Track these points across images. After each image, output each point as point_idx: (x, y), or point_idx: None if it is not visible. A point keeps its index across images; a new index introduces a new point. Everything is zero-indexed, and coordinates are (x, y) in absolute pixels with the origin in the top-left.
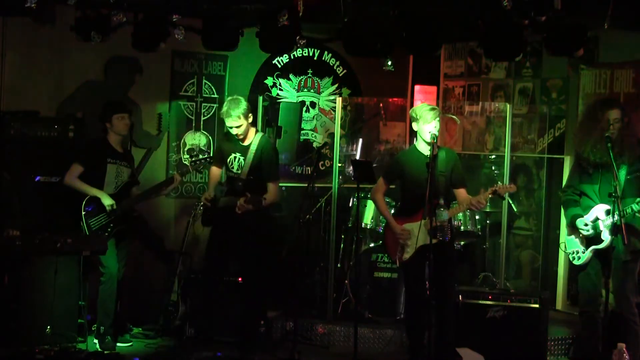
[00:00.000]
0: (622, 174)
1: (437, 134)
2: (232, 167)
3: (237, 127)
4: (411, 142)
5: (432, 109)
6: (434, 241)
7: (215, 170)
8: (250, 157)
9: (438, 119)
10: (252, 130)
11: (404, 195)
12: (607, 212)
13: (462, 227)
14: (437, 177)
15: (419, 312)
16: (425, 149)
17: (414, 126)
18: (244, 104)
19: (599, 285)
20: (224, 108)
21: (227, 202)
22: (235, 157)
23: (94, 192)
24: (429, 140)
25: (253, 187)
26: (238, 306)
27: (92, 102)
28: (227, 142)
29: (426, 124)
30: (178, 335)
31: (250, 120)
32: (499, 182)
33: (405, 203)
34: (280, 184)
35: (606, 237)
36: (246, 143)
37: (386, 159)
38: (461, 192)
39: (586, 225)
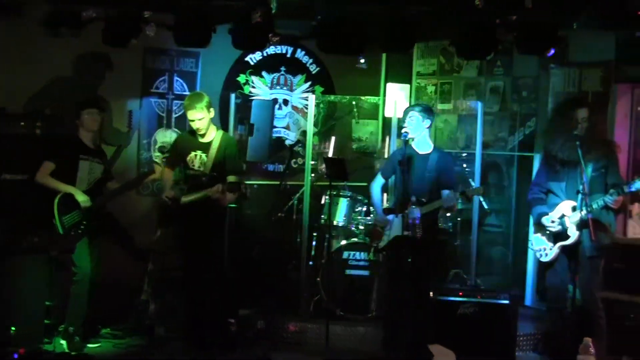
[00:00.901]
0: (588, 171)
1: (409, 133)
2: (194, 165)
3: (200, 119)
4: (384, 139)
5: (404, 109)
6: (406, 233)
7: (169, 172)
8: (213, 154)
9: (409, 118)
10: (213, 127)
11: (395, 190)
12: (573, 209)
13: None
14: (425, 176)
15: (394, 303)
16: (418, 148)
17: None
18: (206, 98)
19: (566, 281)
20: (186, 102)
21: (193, 199)
22: (196, 155)
23: (67, 189)
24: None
25: (217, 183)
26: (209, 305)
27: (62, 98)
28: (185, 141)
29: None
30: (148, 335)
31: (212, 115)
32: (475, 182)
33: (394, 196)
34: (253, 182)
35: (573, 233)
36: (206, 140)
37: (359, 157)
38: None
39: (553, 222)
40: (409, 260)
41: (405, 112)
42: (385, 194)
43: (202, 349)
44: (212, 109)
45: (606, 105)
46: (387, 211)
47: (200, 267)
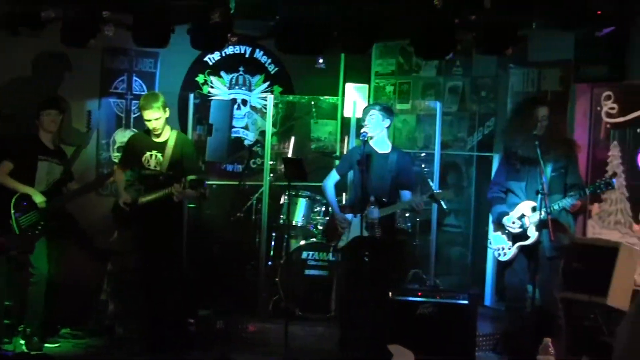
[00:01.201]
0: (547, 171)
1: (368, 132)
2: (149, 165)
3: (156, 119)
4: (343, 139)
5: (364, 109)
6: (365, 234)
7: (121, 173)
8: (169, 153)
9: (370, 117)
10: (167, 126)
11: (352, 187)
12: (533, 209)
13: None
14: (384, 176)
15: (351, 304)
16: (377, 147)
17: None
18: (161, 97)
19: (525, 281)
20: (142, 102)
21: (153, 198)
22: (151, 155)
23: (25, 189)
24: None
25: (174, 182)
26: (168, 305)
27: (21, 98)
28: (139, 141)
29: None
30: (107, 335)
31: (167, 115)
32: (434, 182)
33: (352, 195)
34: (212, 182)
35: (532, 233)
36: (161, 140)
37: (318, 157)
38: (406, 195)
39: (513, 222)
40: (367, 260)
41: (366, 111)
42: (344, 193)
43: (161, 349)
44: (167, 109)
45: (565, 105)
46: (344, 209)
47: (159, 267)
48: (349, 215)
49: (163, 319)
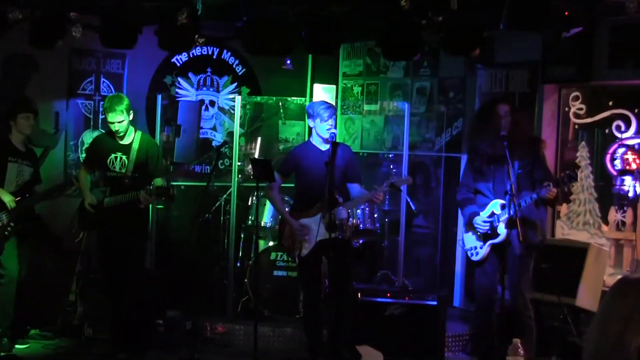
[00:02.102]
0: (514, 169)
1: (336, 132)
2: (114, 167)
3: (120, 122)
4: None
5: (329, 107)
6: (333, 235)
7: (85, 175)
8: (134, 155)
9: (334, 118)
10: (132, 128)
11: (299, 189)
12: (503, 207)
13: (361, 225)
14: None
15: (317, 309)
16: (320, 144)
17: (310, 122)
18: (126, 100)
19: (495, 282)
20: (106, 104)
21: (117, 201)
22: (116, 157)
23: None
24: (327, 138)
25: (140, 184)
26: (131, 306)
27: None
28: (103, 143)
29: (322, 122)
30: (76, 336)
31: (131, 117)
32: (393, 176)
33: (300, 197)
34: (179, 183)
35: (502, 230)
36: (126, 141)
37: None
38: (355, 187)
39: (485, 222)
40: (334, 260)
41: (331, 112)
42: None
43: (128, 349)
44: (131, 112)
45: (533, 106)
46: (294, 215)
47: (122, 269)
48: (305, 221)
49: (128, 320)
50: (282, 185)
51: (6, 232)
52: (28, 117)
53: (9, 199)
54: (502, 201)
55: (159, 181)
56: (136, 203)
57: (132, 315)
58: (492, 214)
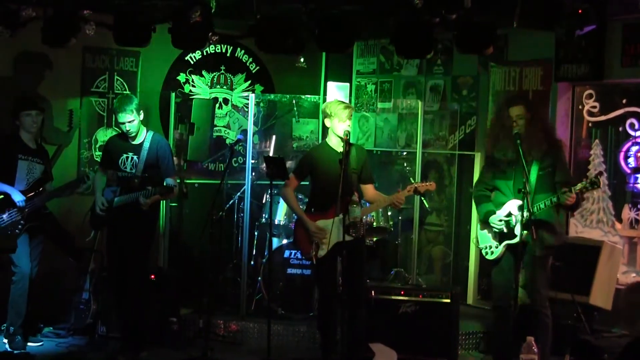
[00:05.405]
0: (535, 170)
1: (350, 130)
2: (125, 167)
3: (130, 122)
4: (324, 138)
5: (347, 107)
6: (348, 238)
7: (100, 177)
8: (144, 155)
9: (350, 118)
10: (143, 128)
11: (315, 191)
12: (520, 208)
13: (374, 224)
14: (350, 173)
15: (331, 308)
16: (337, 145)
17: (327, 122)
18: (136, 100)
19: (512, 279)
20: (116, 104)
21: (124, 200)
22: (127, 157)
23: (4, 188)
24: (342, 136)
25: (150, 184)
26: (142, 305)
27: (1, 98)
28: (115, 144)
29: (340, 122)
30: (90, 334)
31: (142, 117)
32: (417, 180)
33: (316, 199)
34: (193, 181)
35: (519, 232)
36: (137, 141)
37: (299, 156)
38: (369, 188)
39: (500, 221)
40: (350, 260)
41: (348, 112)
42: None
43: (142, 348)
44: (142, 111)
45: (547, 104)
46: (310, 217)
47: (129, 269)
48: (322, 222)
49: (139, 319)
50: None
51: (17, 230)
52: (29, 114)
53: (19, 198)
54: (520, 202)
55: (169, 181)
56: (139, 204)
57: (135, 314)
58: (509, 214)
